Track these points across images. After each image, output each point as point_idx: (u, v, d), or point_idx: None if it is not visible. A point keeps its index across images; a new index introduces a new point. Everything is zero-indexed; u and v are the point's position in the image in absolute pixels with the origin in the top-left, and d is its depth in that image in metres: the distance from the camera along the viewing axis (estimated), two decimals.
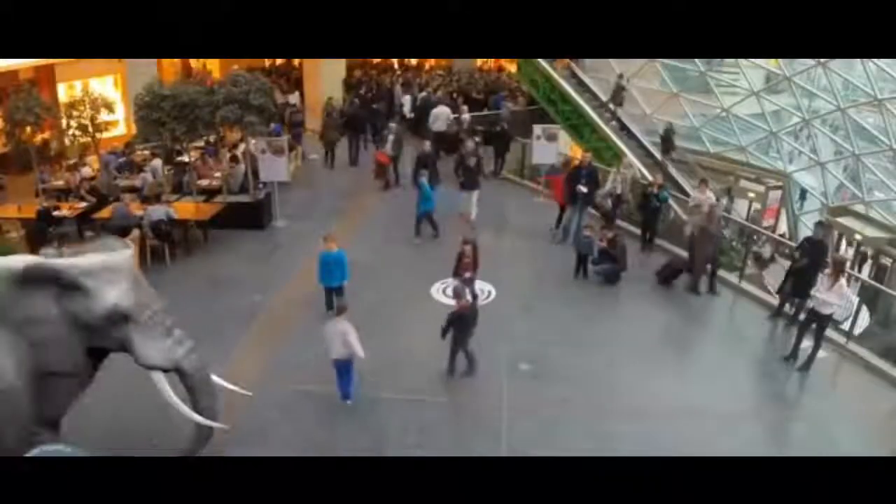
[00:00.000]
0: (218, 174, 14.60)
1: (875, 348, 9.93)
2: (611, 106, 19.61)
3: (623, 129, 19.48)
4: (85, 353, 6.27)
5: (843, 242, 19.32)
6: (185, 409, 6.48)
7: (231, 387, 7.07)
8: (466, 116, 17.88)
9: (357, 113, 18.79)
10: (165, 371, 6.40)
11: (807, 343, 10.02)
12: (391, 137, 15.99)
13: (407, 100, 20.63)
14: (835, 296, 8.95)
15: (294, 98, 21.44)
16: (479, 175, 13.95)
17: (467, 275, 9.92)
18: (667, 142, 18.40)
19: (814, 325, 9.28)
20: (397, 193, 15.79)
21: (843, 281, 8.98)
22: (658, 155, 18.62)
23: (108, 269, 6.15)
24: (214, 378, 6.78)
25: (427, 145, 14.45)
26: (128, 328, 6.17)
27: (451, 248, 10.43)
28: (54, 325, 6.02)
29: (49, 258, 6.19)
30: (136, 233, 11.40)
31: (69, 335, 6.10)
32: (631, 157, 17.33)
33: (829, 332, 10.24)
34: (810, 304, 9.34)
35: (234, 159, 15.03)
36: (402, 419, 7.83)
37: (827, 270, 9.20)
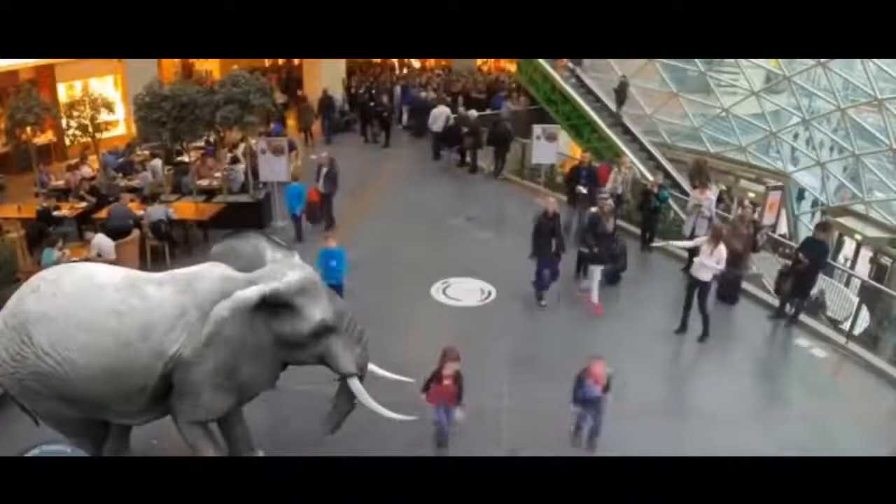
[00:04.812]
0: (218, 174, 14.59)
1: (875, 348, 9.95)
2: (570, 65, 20.33)
3: (582, 86, 20.18)
4: (279, 370, 6.33)
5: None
6: (386, 412, 6.53)
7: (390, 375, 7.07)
8: (473, 113, 17.80)
9: (328, 100, 20.31)
10: (360, 377, 6.48)
11: (803, 341, 10.06)
12: (324, 170, 13.44)
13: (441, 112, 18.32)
14: (713, 261, 9.50)
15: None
16: (615, 244, 10.81)
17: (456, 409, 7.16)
18: (620, 94, 19.08)
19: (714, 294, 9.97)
20: (397, 195, 15.79)
21: (721, 247, 9.56)
22: (614, 107, 19.39)
23: (310, 283, 6.13)
24: (373, 367, 6.85)
25: (551, 203, 10.73)
26: (329, 340, 6.19)
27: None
28: (267, 351, 6.07)
29: (256, 279, 6.03)
30: (136, 233, 11.41)
31: (274, 357, 6.14)
32: (631, 157, 17.34)
33: (829, 333, 10.30)
34: (692, 270, 9.94)
35: (234, 160, 15.02)
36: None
37: (706, 237, 9.94)
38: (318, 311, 6.03)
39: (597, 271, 10.50)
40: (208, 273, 6.11)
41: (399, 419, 6.58)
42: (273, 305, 5.96)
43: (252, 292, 5.87)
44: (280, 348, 6.14)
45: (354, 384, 6.43)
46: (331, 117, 20.31)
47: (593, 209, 11.07)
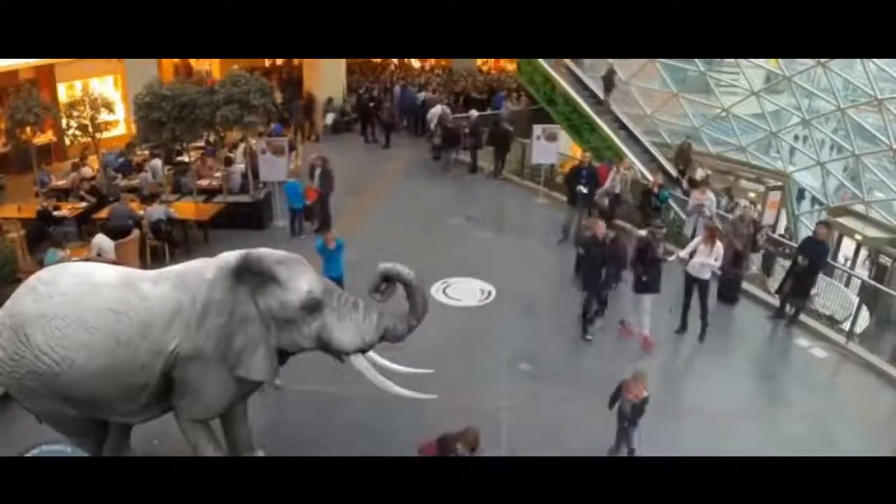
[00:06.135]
0: (218, 174, 14.59)
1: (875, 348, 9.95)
2: (569, 65, 20.54)
3: (581, 84, 20.30)
4: (274, 354, 6.16)
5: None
6: (398, 388, 6.38)
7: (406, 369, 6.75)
8: (473, 113, 17.80)
9: (312, 102, 21.16)
10: (364, 352, 6.26)
11: (803, 341, 10.06)
12: (317, 171, 13.39)
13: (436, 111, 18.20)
14: (712, 259, 9.59)
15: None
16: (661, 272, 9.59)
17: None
18: (608, 81, 19.25)
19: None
20: (397, 195, 15.79)
21: (718, 245, 9.68)
22: (601, 95, 19.50)
23: (293, 259, 6.13)
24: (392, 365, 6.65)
25: (600, 228, 9.87)
26: (323, 315, 6.01)
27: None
28: (255, 325, 5.94)
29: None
30: (136, 233, 11.41)
31: (264, 333, 5.99)
32: (631, 157, 17.32)
33: (829, 333, 10.29)
34: (688, 269, 9.86)
35: (228, 162, 14.98)
36: (402, 419, 7.82)
37: (700, 237, 10.02)
38: (303, 281, 5.93)
39: (646, 301, 9.59)
40: (201, 268, 6.11)
41: (412, 396, 6.41)
42: (257, 277, 5.90)
43: (232, 254, 5.96)
44: (272, 328, 5.99)
45: (358, 362, 6.25)
46: (312, 119, 20.75)
47: (642, 232, 10.26)
